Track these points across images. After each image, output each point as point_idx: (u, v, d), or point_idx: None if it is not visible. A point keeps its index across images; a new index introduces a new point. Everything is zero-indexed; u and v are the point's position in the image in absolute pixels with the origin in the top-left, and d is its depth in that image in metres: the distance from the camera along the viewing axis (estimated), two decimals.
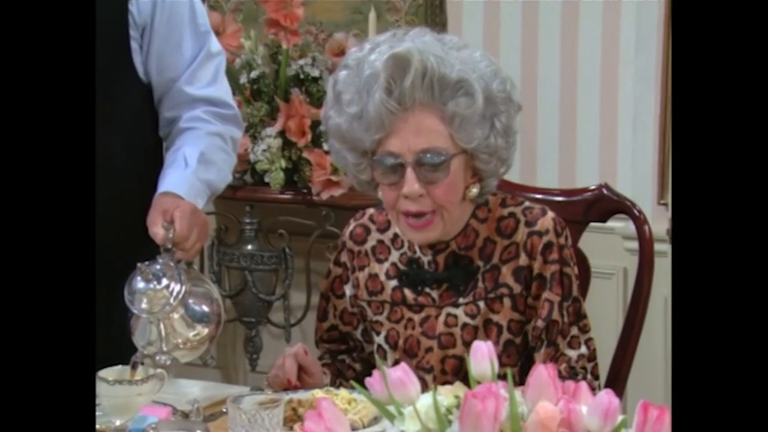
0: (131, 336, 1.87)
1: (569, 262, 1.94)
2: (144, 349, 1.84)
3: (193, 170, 2.03)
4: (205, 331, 1.86)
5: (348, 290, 2.05)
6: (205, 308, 1.87)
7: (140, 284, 1.81)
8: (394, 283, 1.99)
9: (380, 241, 2.02)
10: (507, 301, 1.93)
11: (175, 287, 1.81)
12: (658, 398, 2.32)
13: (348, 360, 2.09)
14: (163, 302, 1.80)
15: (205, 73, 2.14)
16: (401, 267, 1.99)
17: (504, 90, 1.89)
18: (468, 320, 1.93)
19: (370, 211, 2.06)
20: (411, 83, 1.81)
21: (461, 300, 1.94)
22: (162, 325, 1.81)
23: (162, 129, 2.16)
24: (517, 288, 1.92)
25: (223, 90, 2.18)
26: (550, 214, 1.94)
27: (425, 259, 1.97)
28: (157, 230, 1.88)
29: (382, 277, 2.00)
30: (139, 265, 1.81)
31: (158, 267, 1.83)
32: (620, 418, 1.35)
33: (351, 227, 2.06)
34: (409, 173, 1.84)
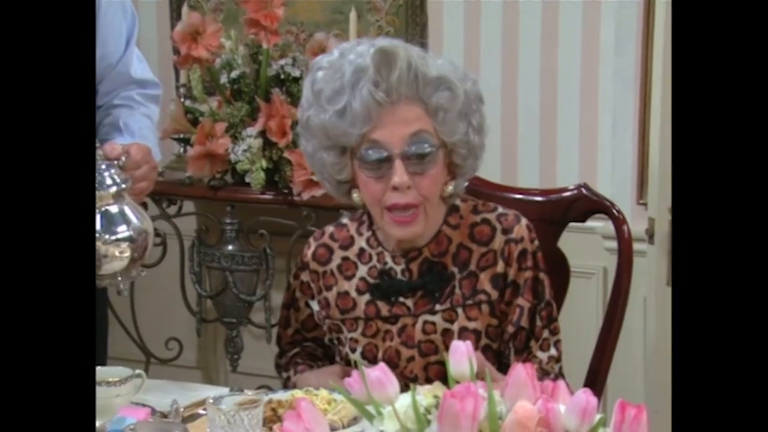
0: None
1: (542, 267, 1.97)
2: None
3: (135, 139, 2.09)
4: (127, 253, 1.88)
5: (315, 306, 2.05)
6: (133, 233, 1.89)
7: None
8: (366, 297, 1.99)
9: (345, 258, 2.02)
10: (485, 308, 1.94)
11: (120, 177, 1.88)
12: (637, 397, 2.33)
13: (321, 354, 2.09)
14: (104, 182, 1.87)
15: (135, 55, 2.23)
16: (371, 280, 1.99)
17: (476, 89, 1.94)
18: (448, 326, 1.94)
19: (329, 229, 2.06)
20: (398, 77, 1.85)
21: (438, 307, 1.95)
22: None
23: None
24: (494, 294, 1.94)
25: (148, 69, 2.28)
26: (524, 220, 1.97)
27: (398, 268, 1.97)
28: (115, 146, 1.92)
29: (353, 294, 2.00)
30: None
31: (105, 166, 1.88)
32: (598, 417, 1.36)
33: (312, 248, 2.05)
34: (398, 164, 1.87)
